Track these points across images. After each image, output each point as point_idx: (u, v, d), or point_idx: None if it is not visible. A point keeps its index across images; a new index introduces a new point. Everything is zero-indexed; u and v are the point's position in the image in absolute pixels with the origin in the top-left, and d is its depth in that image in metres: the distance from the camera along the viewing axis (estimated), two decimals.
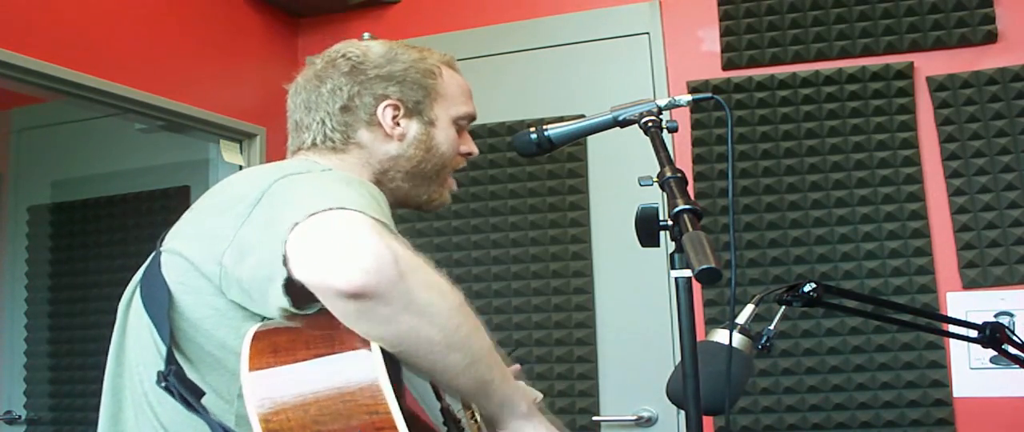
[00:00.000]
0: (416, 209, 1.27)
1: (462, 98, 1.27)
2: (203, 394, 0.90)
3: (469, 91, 1.29)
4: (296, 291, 0.82)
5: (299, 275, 0.80)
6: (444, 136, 1.23)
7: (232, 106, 2.48)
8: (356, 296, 0.78)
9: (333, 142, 1.18)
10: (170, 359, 0.91)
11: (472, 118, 1.29)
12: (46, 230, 3.21)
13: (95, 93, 2.02)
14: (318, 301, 0.82)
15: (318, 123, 1.18)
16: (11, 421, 3.09)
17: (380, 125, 1.18)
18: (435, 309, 0.84)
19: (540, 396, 1.04)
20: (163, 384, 0.89)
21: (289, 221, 0.82)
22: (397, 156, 1.19)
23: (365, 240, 0.79)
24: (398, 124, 1.18)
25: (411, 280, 0.81)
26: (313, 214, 0.81)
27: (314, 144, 1.18)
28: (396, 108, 1.18)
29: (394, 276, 0.79)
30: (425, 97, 1.21)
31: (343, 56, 1.20)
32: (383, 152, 1.19)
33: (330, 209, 0.82)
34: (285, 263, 0.81)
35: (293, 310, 0.84)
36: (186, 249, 0.97)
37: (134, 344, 1.00)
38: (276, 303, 0.83)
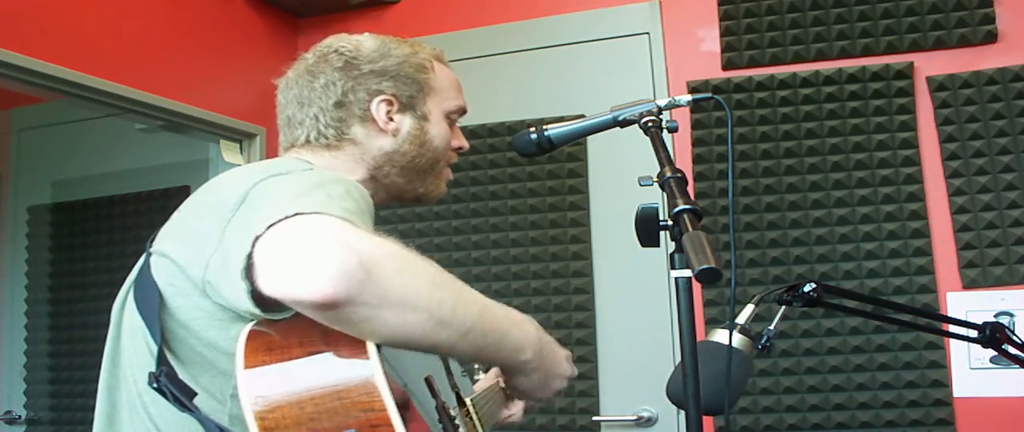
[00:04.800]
0: (413, 203, 1.27)
1: (453, 91, 1.27)
2: (195, 394, 0.89)
3: (459, 85, 1.29)
4: (268, 298, 0.81)
5: (267, 290, 0.78)
6: (437, 130, 1.23)
7: (232, 106, 2.48)
8: (328, 306, 0.76)
9: (326, 139, 1.17)
10: (161, 360, 0.91)
11: (463, 111, 1.29)
12: (46, 230, 3.21)
13: (95, 93, 2.02)
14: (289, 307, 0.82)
15: (312, 119, 1.17)
16: (11, 421, 3.09)
17: (374, 120, 1.18)
18: (413, 293, 0.82)
19: (535, 324, 1.05)
20: (155, 385, 0.89)
21: (253, 233, 0.80)
22: (391, 151, 1.19)
23: (325, 246, 0.77)
24: (392, 119, 1.18)
25: (380, 274, 0.78)
26: (272, 225, 0.79)
27: (308, 141, 1.18)
28: (390, 103, 1.18)
29: (361, 277, 0.76)
30: (418, 92, 1.21)
31: (336, 51, 1.20)
32: (377, 148, 1.18)
33: (288, 217, 0.79)
34: (253, 276, 0.80)
35: (266, 317, 0.84)
36: (172, 251, 0.96)
37: (128, 346, 1.00)
38: (248, 312, 0.83)
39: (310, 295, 0.75)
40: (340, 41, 1.22)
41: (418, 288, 0.83)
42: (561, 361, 1.10)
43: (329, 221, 0.80)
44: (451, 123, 1.27)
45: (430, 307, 0.84)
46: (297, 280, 0.76)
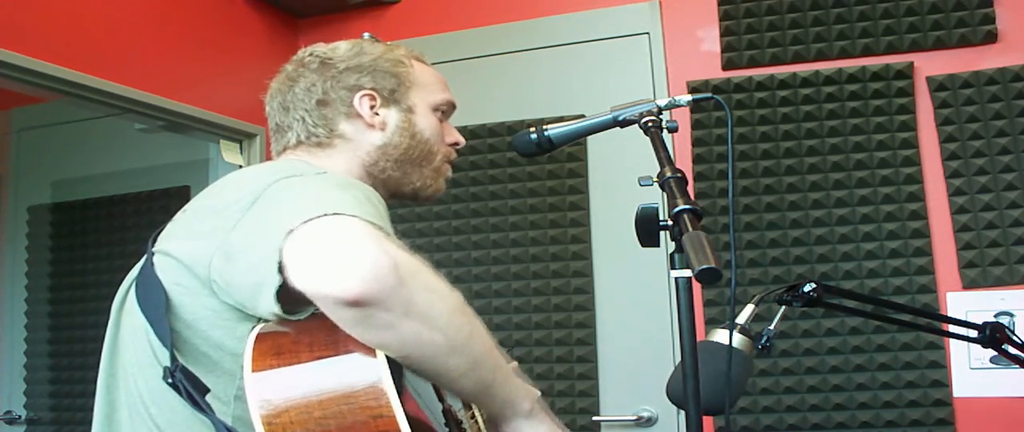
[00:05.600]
0: (411, 199, 1.27)
1: (437, 86, 1.27)
2: (208, 391, 0.90)
3: (443, 81, 1.30)
4: (288, 296, 0.81)
5: (297, 283, 0.79)
6: (426, 122, 1.23)
7: (232, 106, 2.48)
8: (356, 304, 0.77)
9: (317, 137, 1.18)
10: (174, 356, 0.91)
11: (451, 106, 1.29)
12: (46, 230, 3.21)
13: (95, 93, 2.02)
14: (310, 305, 0.82)
15: (298, 121, 1.19)
16: (11, 421, 3.09)
17: (360, 116, 1.19)
18: (436, 312, 0.83)
19: (539, 394, 1.05)
20: (170, 380, 0.89)
21: (284, 228, 0.81)
22: (383, 145, 1.19)
23: (362, 246, 0.78)
24: (376, 113, 1.19)
25: (410, 285, 0.80)
26: (308, 220, 0.80)
27: (299, 142, 1.19)
28: (372, 98, 1.19)
29: (393, 282, 0.78)
30: (399, 85, 1.22)
31: (311, 54, 1.22)
32: (368, 143, 1.19)
33: (325, 215, 0.81)
34: (280, 270, 0.80)
35: (285, 316, 0.84)
36: (178, 250, 0.97)
37: (128, 346, 1.00)
38: (267, 309, 0.83)
39: (340, 291, 0.76)
40: (316, 47, 1.24)
41: (442, 308, 0.84)
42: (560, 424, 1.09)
43: (363, 224, 0.81)
44: (441, 118, 1.27)
45: (448, 330, 0.84)
46: (331, 275, 0.77)
